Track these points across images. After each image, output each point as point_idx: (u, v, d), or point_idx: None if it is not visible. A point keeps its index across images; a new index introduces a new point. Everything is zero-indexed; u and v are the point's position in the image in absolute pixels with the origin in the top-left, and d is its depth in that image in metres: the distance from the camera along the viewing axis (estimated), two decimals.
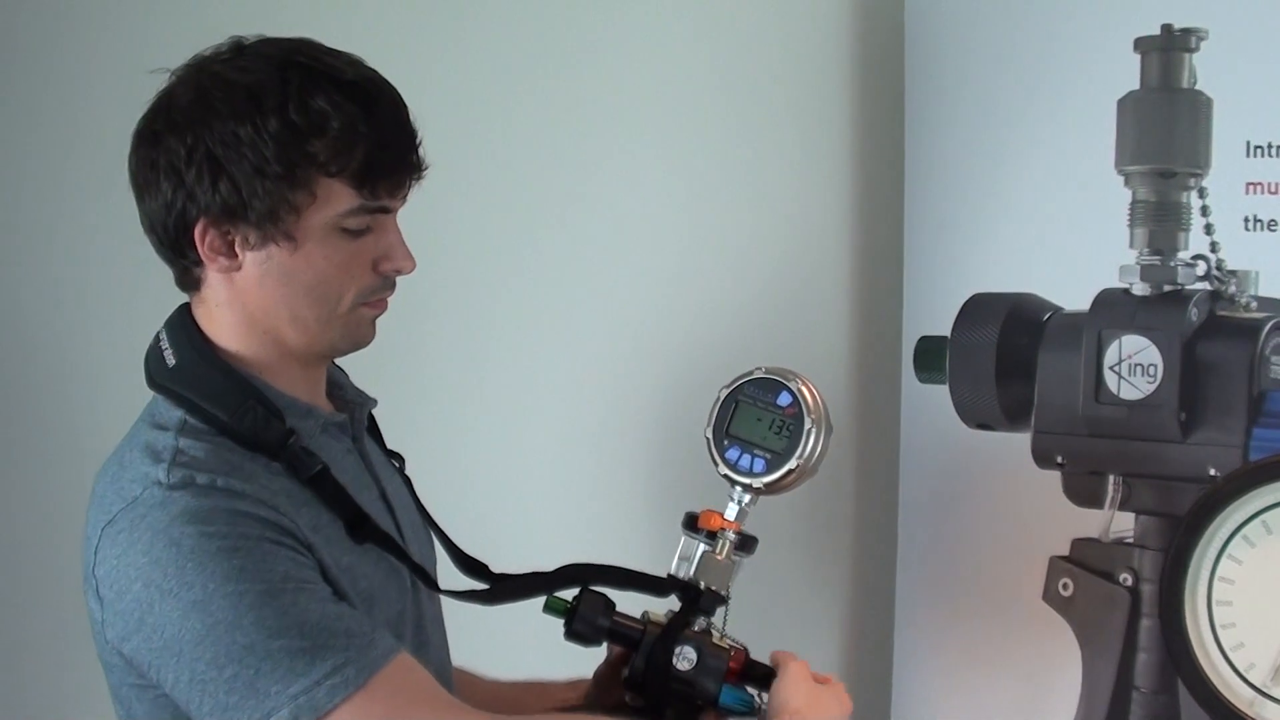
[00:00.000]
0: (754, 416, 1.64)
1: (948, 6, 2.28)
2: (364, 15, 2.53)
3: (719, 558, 1.63)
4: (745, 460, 1.63)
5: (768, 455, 1.62)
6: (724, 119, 2.54)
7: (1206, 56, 2.10)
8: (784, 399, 1.63)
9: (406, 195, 1.56)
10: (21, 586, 2.65)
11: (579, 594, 1.62)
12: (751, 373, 1.66)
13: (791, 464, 1.61)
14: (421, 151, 1.55)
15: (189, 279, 1.55)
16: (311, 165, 1.46)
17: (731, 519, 1.64)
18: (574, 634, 1.61)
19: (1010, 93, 2.23)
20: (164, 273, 1.58)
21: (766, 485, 1.63)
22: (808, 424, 1.61)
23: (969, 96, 2.26)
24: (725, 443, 1.64)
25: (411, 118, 1.54)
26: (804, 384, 1.64)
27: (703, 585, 1.62)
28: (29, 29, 2.61)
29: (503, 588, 1.66)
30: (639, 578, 1.65)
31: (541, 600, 1.63)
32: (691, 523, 1.65)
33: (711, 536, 1.63)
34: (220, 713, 1.39)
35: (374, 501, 1.61)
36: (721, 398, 1.66)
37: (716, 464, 1.65)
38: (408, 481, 1.74)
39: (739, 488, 1.64)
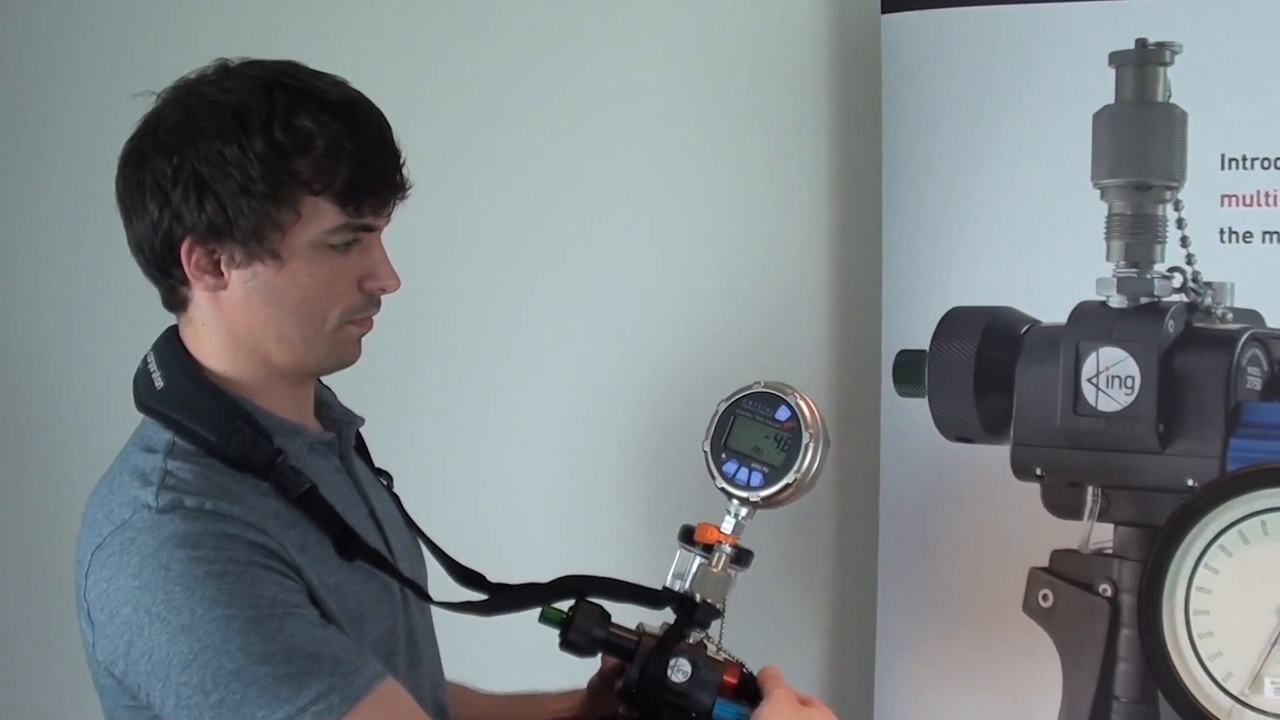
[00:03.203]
0: (752, 430, 1.62)
1: (924, 21, 2.29)
2: (351, 37, 2.54)
3: (715, 571, 1.61)
4: (743, 474, 1.62)
5: (766, 469, 1.61)
6: (701, 133, 2.55)
7: (1181, 70, 2.11)
8: (782, 413, 1.62)
9: (391, 214, 1.56)
10: (12, 608, 2.64)
11: (575, 605, 1.61)
12: (750, 387, 1.65)
13: (790, 478, 1.60)
14: (406, 171, 1.55)
15: (176, 299, 1.55)
16: (296, 184, 1.46)
17: (728, 532, 1.62)
18: (569, 644, 1.60)
19: (987, 106, 2.23)
20: (152, 295, 1.58)
21: (764, 499, 1.61)
22: (805, 438, 1.60)
23: (946, 110, 2.27)
24: (723, 456, 1.63)
25: (395, 137, 1.55)
26: (802, 398, 1.63)
27: (698, 598, 1.61)
28: (12, 53, 2.61)
29: (499, 599, 1.66)
30: (635, 590, 1.64)
31: (537, 611, 1.62)
32: (688, 536, 1.63)
33: (708, 550, 1.62)
34: None
35: (363, 519, 1.61)
36: (720, 411, 1.65)
37: (714, 477, 1.63)
38: (396, 499, 1.74)
39: (736, 501, 1.62)
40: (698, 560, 1.63)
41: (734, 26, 2.52)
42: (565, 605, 1.62)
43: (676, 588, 1.63)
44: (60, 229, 2.62)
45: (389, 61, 2.47)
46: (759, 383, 1.66)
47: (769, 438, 1.62)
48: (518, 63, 2.58)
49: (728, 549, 1.62)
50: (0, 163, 2.62)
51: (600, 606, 1.62)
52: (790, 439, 1.61)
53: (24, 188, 2.63)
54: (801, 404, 1.62)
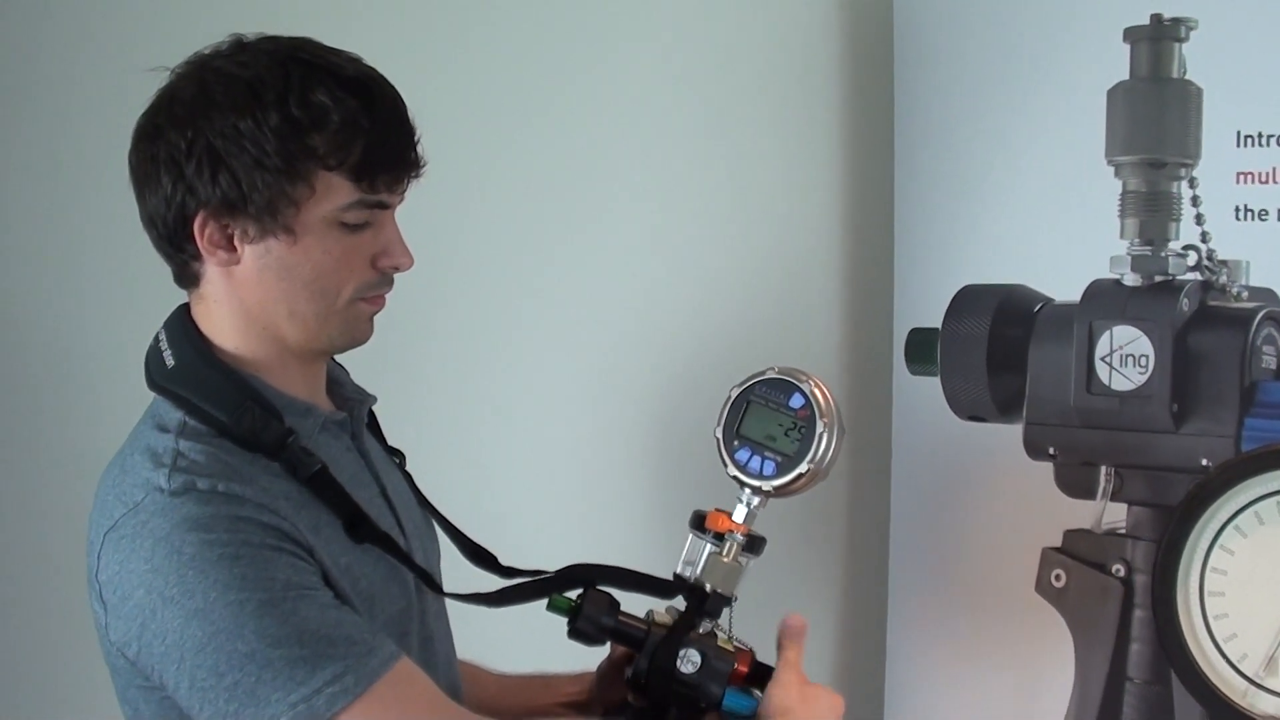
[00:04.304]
0: (765, 418, 1.60)
1: (935, 1, 2.28)
2: (364, 21, 2.53)
3: (725, 560, 1.59)
4: (755, 462, 1.59)
5: (779, 458, 1.58)
6: (714, 115, 2.55)
7: (1196, 46, 2.09)
8: (796, 400, 1.59)
9: (405, 192, 1.55)
10: (25, 588, 2.64)
11: (583, 592, 1.59)
12: (764, 373, 1.62)
13: (803, 468, 1.57)
14: (420, 148, 1.54)
15: (188, 274, 1.54)
16: (311, 159, 1.45)
17: (739, 521, 1.60)
18: (578, 633, 1.58)
19: (999, 84, 2.23)
20: (164, 273, 1.57)
21: (776, 489, 1.59)
22: (820, 427, 1.57)
23: (958, 89, 2.26)
24: (735, 444, 1.60)
25: (410, 115, 1.53)
26: (817, 385, 1.59)
27: (708, 588, 1.59)
28: (25, 28, 2.60)
29: (506, 591, 1.64)
30: (645, 579, 1.63)
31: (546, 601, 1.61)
32: (699, 523, 1.61)
33: (719, 538, 1.60)
34: (221, 719, 1.39)
35: (374, 499, 1.60)
36: (732, 397, 1.62)
37: (726, 465, 1.61)
38: (409, 478, 1.73)
39: (748, 490, 1.60)
40: (708, 548, 1.61)
41: (747, 7, 2.51)
42: (574, 593, 1.60)
43: (687, 574, 1.61)
44: (69, 208, 2.61)
45: (404, 45, 2.45)
46: (772, 369, 1.63)
47: (782, 426, 1.59)
48: (532, 51, 2.57)
49: (739, 538, 1.60)
50: (9, 142, 2.61)
51: (609, 595, 1.61)
52: (804, 427, 1.58)
53: (34, 167, 2.61)
54: (816, 391, 1.59)
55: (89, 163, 2.46)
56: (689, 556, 1.62)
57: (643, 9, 2.55)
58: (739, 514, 1.61)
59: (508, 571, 1.69)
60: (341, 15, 2.53)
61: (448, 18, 2.58)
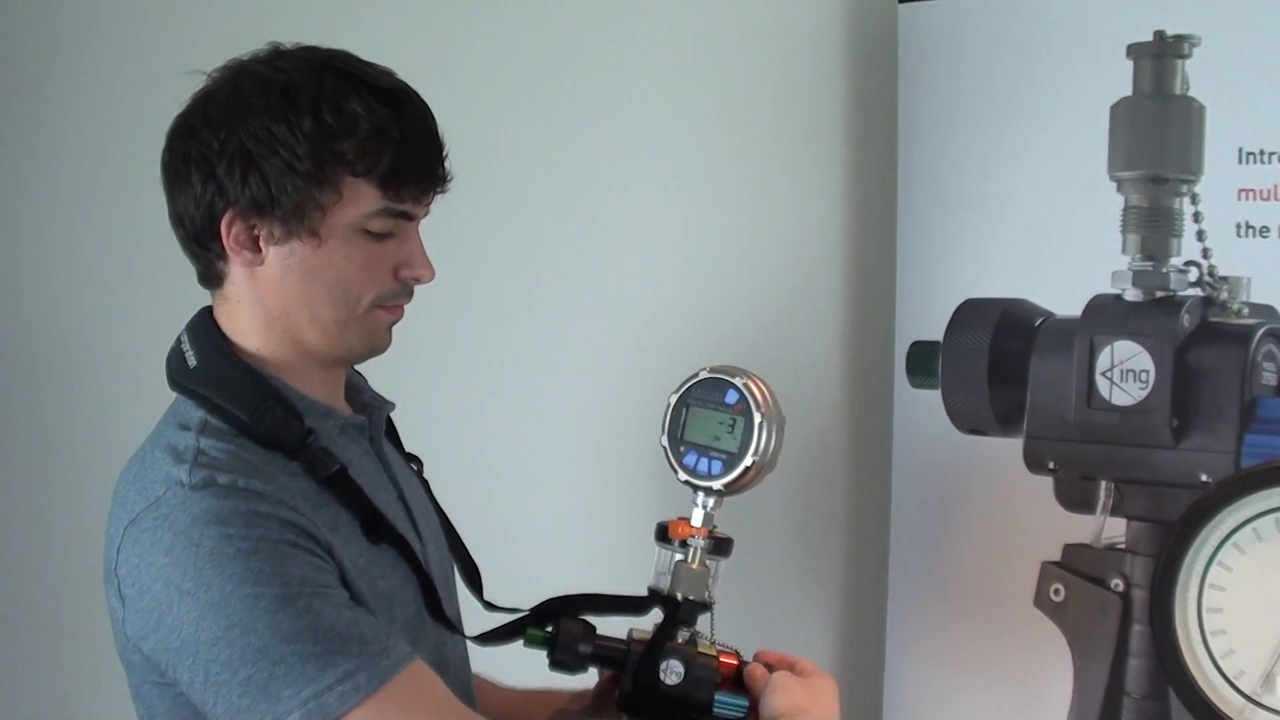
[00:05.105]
0: (706, 419, 1.61)
1: (941, 11, 2.28)
2: (367, 16, 2.53)
3: (693, 566, 1.60)
4: (703, 464, 1.60)
5: (723, 456, 1.59)
6: (719, 125, 2.54)
7: (1199, 63, 2.09)
8: (731, 397, 1.60)
9: (430, 205, 1.58)
10: (41, 584, 2.65)
11: (556, 623, 1.59)
12: (697, 374, 1.63)
13: (747, 461, 1.58)
14: (448, 163, 1.57)
15: (212, 274, 1.56)
16: (340, 164, 1.48)
17: (698, 525, 1.61)
18: (558, 664, 1.59)
19: (1002, 99, 2.23)
20: (174, 274, 1.59)
21: (726, 486, 1.59)
22: (758, 419, 1.58)
23: (961, 102, 2.26)
24: (681, 449, 1.61)
25: (440, 130, 1.56)
26: (750, 380, 1.60)
27: (680, 596, 1.59)
28: (47, 34, 2.61)
29: (489, 633, 1.65)
30: (618, 600, 1.64)
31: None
32: (663, 533, 1.62)
33: (684, 545, 1.61)
34: (233, 714, 1.40)
35: (392, 503, 1.62)
36: (672, 403, 1.63)
37: (676, 471, 1.61)
38: (426, 484, 1.75)
39: (701, 493, 1.61)
40: (676, 557, 1.62)
41: (750, 17, 2.51)
42: (550, 626, 1.60)
43: (661, 585, 1.62)
44: (96, 210, 2.62)
45: (407, 49, 2.45)
46: (705, 369, 1.64)
47: (723, 424, 1.60)
48: (533, 56, 2.58)
49: (702, 542, 1.61)
50: (34, 145, 2.63)
51: (583, 621, 1.61)
52: (743, 422, 1.59)
53: (60, 170, 2.63)
54: (749, 385, 1.60)
55: (118, 163, 2.48)
56: (660, 568, 1.63)
57: (643, 17, 2.56)
58: (697, 518, 1.61)
59: (488, 605, 1.69)
60: (344, 9, 2.55)
61: (451, 22, 2.59)
